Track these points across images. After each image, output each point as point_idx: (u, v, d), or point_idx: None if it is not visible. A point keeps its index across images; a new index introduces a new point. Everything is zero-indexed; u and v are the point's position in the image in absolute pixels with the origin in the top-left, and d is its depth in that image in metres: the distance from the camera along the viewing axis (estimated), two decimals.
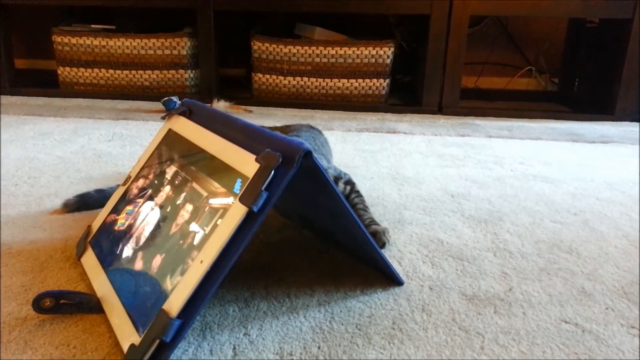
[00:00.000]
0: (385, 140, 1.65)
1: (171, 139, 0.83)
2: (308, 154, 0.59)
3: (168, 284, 0.60)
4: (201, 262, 0.58)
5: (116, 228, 0.78)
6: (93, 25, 2.34)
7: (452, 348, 0.63)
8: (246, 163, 0.63)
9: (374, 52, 2.17)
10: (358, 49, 2.17)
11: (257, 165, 0.61)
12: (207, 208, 0.64)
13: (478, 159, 1.46)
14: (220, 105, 2.00)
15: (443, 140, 1.67)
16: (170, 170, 0.77)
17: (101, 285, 0.70)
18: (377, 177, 1.27)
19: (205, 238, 0.60)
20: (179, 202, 0.70)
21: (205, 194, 0.66)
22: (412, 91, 2.46)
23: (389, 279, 0.78)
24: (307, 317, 0.68)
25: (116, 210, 0.81)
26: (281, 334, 0.65)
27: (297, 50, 2.20)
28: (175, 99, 1.99)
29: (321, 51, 2.19)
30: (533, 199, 1.14)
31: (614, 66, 2.07)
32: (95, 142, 1.52)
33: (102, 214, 0.84)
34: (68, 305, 0.67)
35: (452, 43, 2.07)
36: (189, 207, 0.67)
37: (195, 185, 0.69)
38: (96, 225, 0.83)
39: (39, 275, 0.77)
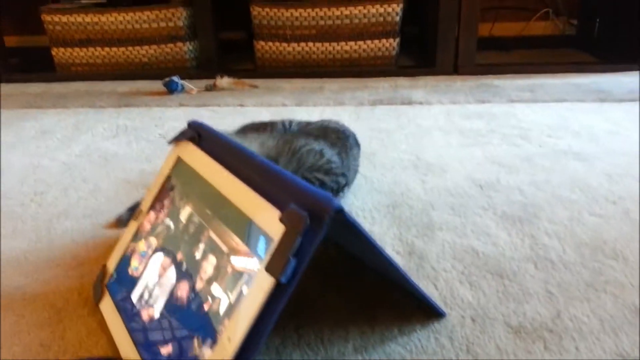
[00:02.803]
0: (400, 114, 1.56)
1: (182, 171, 0.76)
2: (339, 211, 0.53)
3: (195, 352, 0.56)
4: (229, 340, 0.53)
5: (130, 272, 0.73)
6: (83, 0, 2.22)
7: None
8: (269, 219, 0.56)
9: (381, 9, 2.05)
10: (365, 8, 2.05)
11: (281, 226, 0.54)
12: (229, 269, 0.59)
13: (502, 132, 1.38)
14: (224, 82, 1.90)
15: (462, 109, 1.58)
16: (185, 211, 0.71)
17: (124, 345, 0.66)
18: (398, 167, 1.20)
19: (231, 309, 0.55)
20: (198, 255, 0.64)
21: (225, 249, 0.61)
22: (423, 47, 2.33)
23: (426, 308, 0.73)
24: None
25: (131, 249, 0.76)
26: None
27: (300, 13, 2.08)
28: (176, 78, 1.90)
29: (325, 13, 2.07)
30: (567, 185, 1.08)
31: (636, 6, 1.92)
32: (99, 139, 1.45)
33: (117, 253, 0.79)
34: None
35: None
36: (212, 260, 0.62)
37: (213, 234, 0.64)
38: (111, 264, 0.78)
39: (58, 327, 0.73)
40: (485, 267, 0.82)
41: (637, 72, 1.89)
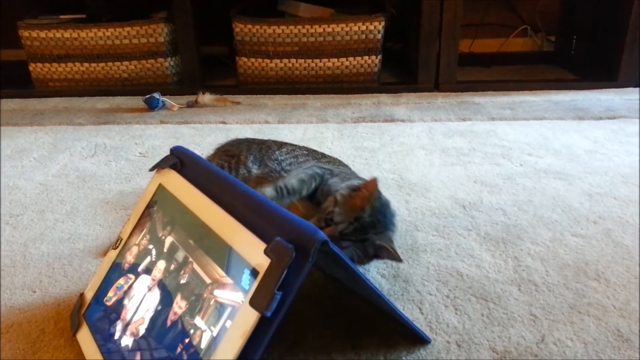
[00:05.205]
0: (384, 132, 1.57)
1: (163, 199, 0.75)
2: (324, 243, 0.52)
3: None
4: None
5: (107, 303, 0.71)
6: (62, 16, 2.19)
7: None
8: (253, 251, 0.55)
9: (363, 27, 2.05)
10: (347, 26, 2.05)
11: (266, 258, 0.53)
12: (212, 301, 0.57)
13: (484, 151, 1.39)
14: (206, 99, 1.89)
15: (444, 127, 1.58)
16: (167, 241, 0.69)
17: None
18: (381, 186, 1.19)
19: (214, 342, 0.54)
20: (179, 285, 0.63)
21: (208, 280, 0.59)
22: (405, 63, 2.35)
23: (411, 333, 0.72)
24: None
25: (109, 280, 0.74)
26: None
27: (282, 30, 2.07)
28: (157, 95, 1.88)
29: (308, 30, 2.07)
30: (549, 205, 1.08)
31: (613, 24, 1.97)
32: (77, 159, 1.42)
33: (95, 281, 0.76)
34: None
35: (447, 15, 1.95)
36: (193, 291, 0.61)
37: (195, 265, 0.62)
38: (89, 294, 0.76)
39: None
40: (470, 290, 0.82)
41: (613, 90, 1.93)
